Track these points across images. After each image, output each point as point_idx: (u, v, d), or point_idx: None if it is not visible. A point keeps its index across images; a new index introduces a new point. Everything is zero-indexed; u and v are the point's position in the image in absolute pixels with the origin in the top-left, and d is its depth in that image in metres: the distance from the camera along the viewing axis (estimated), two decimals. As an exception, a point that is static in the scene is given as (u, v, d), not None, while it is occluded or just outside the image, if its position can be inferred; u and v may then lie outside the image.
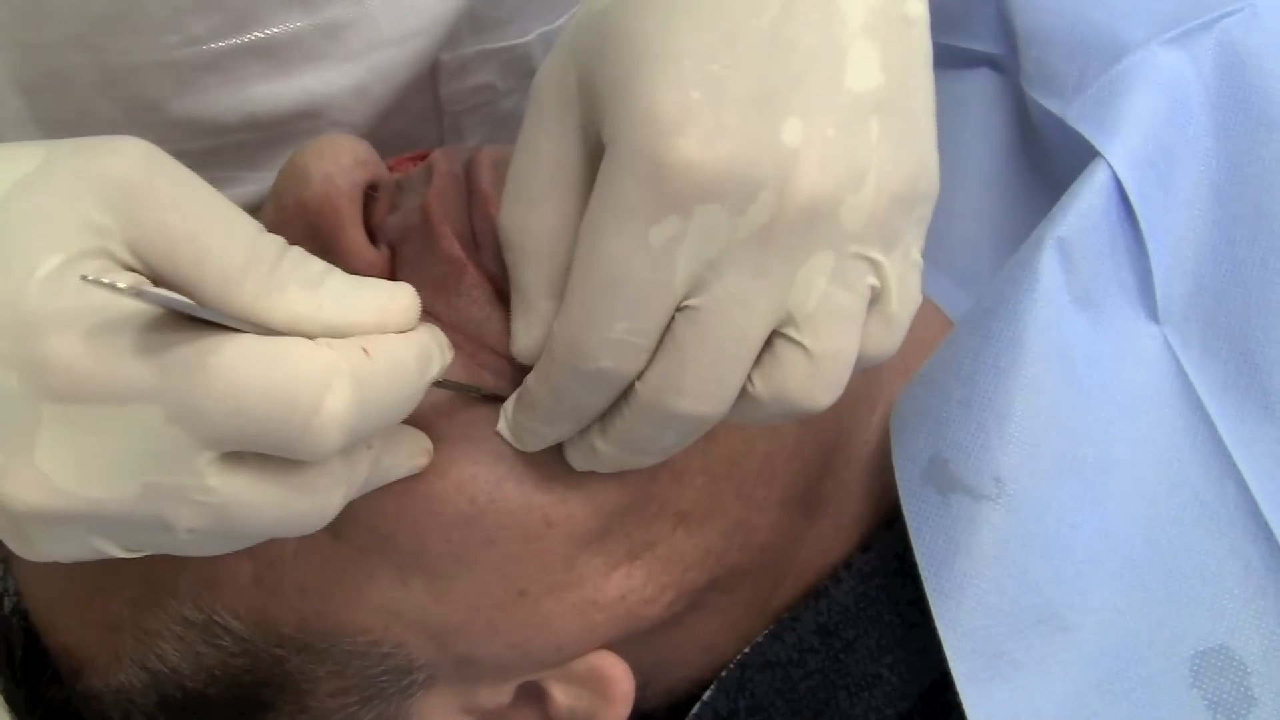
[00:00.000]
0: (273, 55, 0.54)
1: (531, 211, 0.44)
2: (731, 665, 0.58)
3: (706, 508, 0.53)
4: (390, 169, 0.55)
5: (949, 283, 0.66)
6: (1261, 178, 0.54)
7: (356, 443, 0.41)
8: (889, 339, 0.43)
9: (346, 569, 0.50)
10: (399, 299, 0.42)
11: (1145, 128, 0.55)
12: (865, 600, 0.57)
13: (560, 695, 0.54)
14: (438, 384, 0.46)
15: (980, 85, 0.68)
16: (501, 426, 0.48)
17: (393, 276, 0.52)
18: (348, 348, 0.39)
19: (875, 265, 0.41)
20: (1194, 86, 0.57)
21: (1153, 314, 0.54)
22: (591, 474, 0.49)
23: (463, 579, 0.50)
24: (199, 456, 0.37)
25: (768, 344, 0.42)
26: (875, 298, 0.42)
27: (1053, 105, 0.59)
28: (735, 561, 0.55)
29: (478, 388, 0.49)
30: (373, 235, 0.51)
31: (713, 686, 0.58)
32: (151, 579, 0.51)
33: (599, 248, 0.40)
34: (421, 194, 0.52)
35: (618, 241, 0.40)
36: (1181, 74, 0.57)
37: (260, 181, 0.58)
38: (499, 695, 0.54)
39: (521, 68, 0.66)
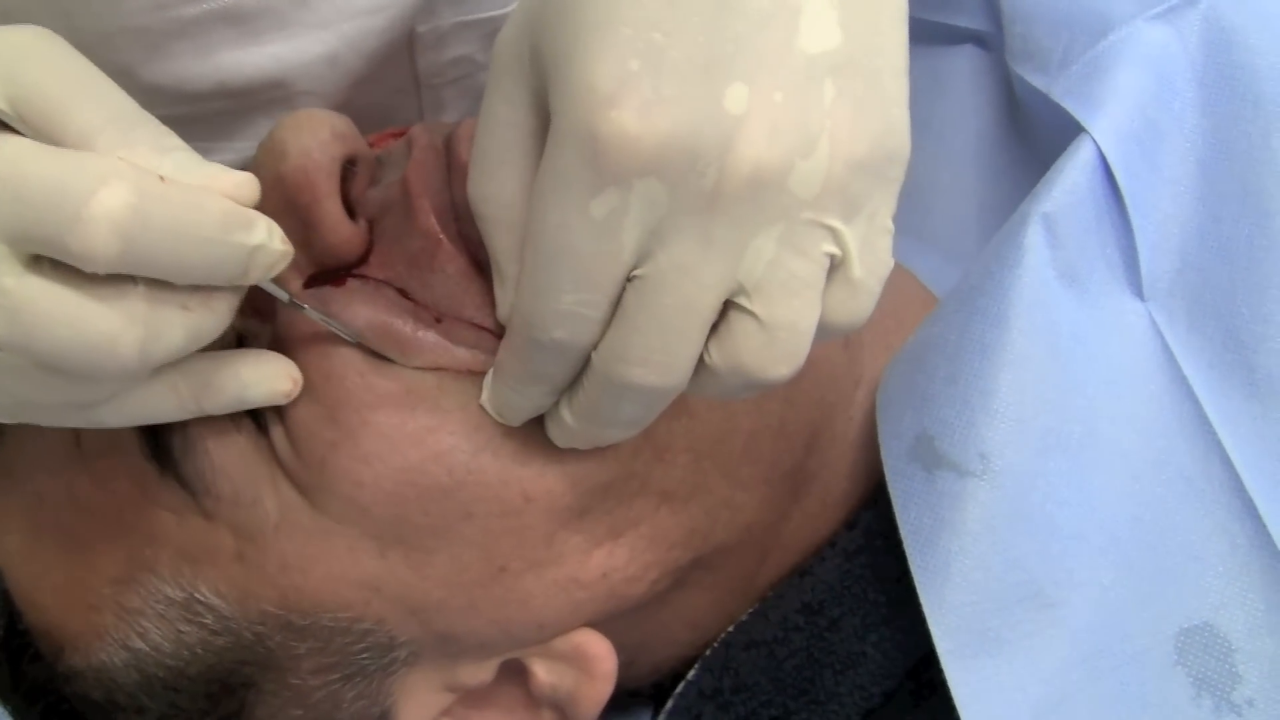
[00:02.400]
0: (243, 22, 0.53)
1: (492, 179, 0.44)
2: (716, 644, 0.58)
3: (691, 486, 0.53)
4: (371, 145, 0.55)
5: (935, 258, 0.66)
6: (1247, 154, 0.54)
7: (151, 273, 0.40)
8: (855, 306, 0.42)
9: (327, 542, 0.50)
10: (231, 175, 0.42)
11: (1131, 104, 0.55)
12: (850, 578, 0.57)
13: (543, 673, 0.54)
14: (315, 316, 0.48)
15: (966, 61, 0.68)
16: (485, 398, 0.49)
17: (371, 250, 0.52)
18: (140, 168, 0.40)
19: (834, 232, 0.40)
20: (1180, 62, 0.56)
21: (1138, 290, 0.54)
22: (571, 451, 0.49)
23: (441, 553, 0.50)
24: None
25: (723, 315, 0.41)
26: (837, 265, 0.41)
27: (1038, 81, 0.59)
28: (720, 540, 0.55)
29: (357, 334, 0.49)
30: (351, 210, 0.51)
31: (697, 665, 0.58)
32: (133, 557, 0.51)
33: (543, 220, 0.40)
34: (401, 168, 0.52)
35: (559, 214, 0.40)
36: (1167, 50, 0.56)
37: (236, 152, 0.58)
38: (481, 673, 0.54)
39: None
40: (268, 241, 0.43)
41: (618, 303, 0.42)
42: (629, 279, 0.41)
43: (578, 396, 0.45)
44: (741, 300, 0.41)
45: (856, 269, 0.41)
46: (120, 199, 0.38)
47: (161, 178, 0.40)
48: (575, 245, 0.40)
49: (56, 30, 0.45)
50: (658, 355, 0.41)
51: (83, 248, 0.38)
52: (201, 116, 0.56)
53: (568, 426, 0.46)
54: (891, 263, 0.43)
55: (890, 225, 0.42)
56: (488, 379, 0.48)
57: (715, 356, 0.42)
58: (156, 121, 0.42)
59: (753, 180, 0.39)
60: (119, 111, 0.41)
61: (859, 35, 0.40)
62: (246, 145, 0.58)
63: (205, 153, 0.42)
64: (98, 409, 0.44)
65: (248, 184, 0.42)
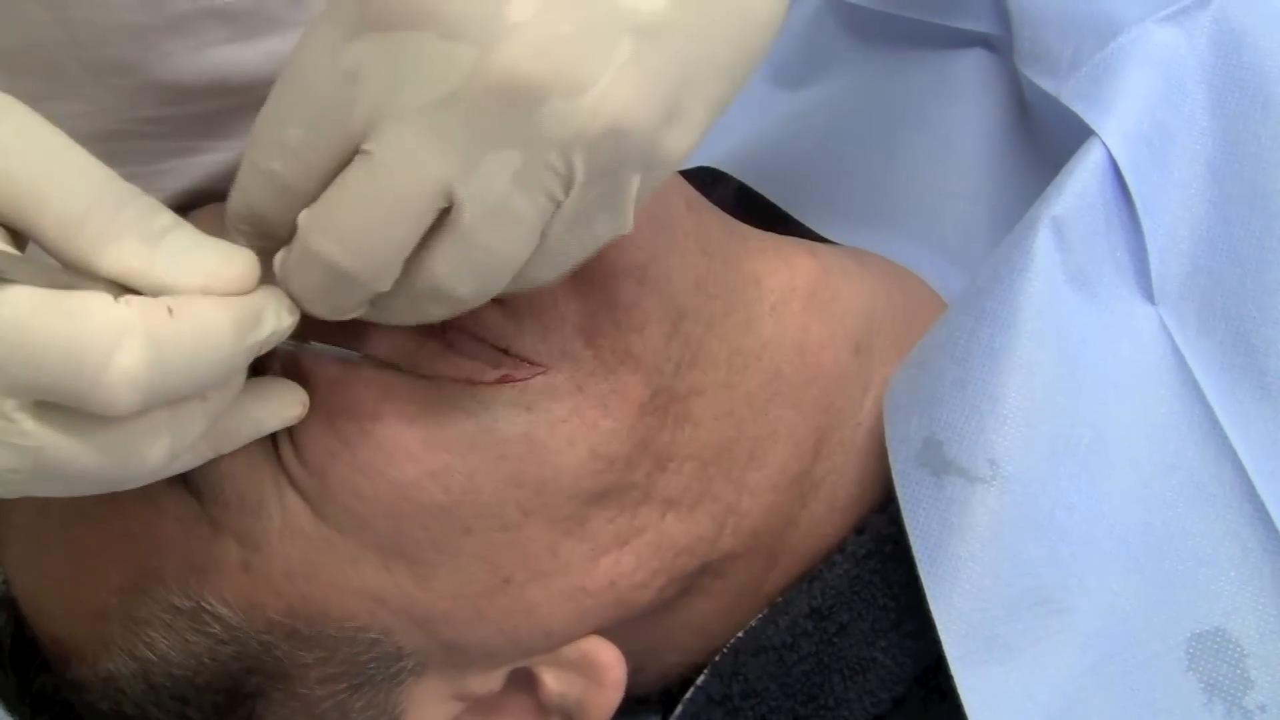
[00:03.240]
0: (237, 20, 0.53)
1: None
2: (725, 650, 0.58)
3: (696, 494, 0.53)
4: None
5: (943, 263, 0.65)
6: (1257, 156, 0.54)
7: (173, 399, 0.40)
8: (545, 268, 0.42)
9: (331, 552, 0.50)
10: (233, 265, 0.41)
11: (1140, 106, 0.55)
12: (859, 583, 0.56)
13: (551, 681, 0.53)
14: (315, 350, 0.47)
15: (974, 65, 0.67)
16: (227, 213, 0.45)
17: None
18: (149, 306, 0.38)
19: (564, 182, 0.39)
20: (1189, 64, 0.56)
21: (1148, 294, 0.54)
22: (567, 465, 0.49)
23: (445, 566, 0.50)
24: (5, 402, 0.37)
25: (432, 228, 0.40)
26: (552, 215, 0.40)
27: (1047, 84, 0.58)
28: (727, 546, 0.55)
29: (356, 351, 0.49)
30: None
31: (706, 671, 0.58)
32: (139, 566, 0.51)
33: (300, 49, 0.40)
34: None
35: (316, 47, 0.39)
36: (1177, 51, 0.56)
37: (230, 150, 0.58)
38: (490, 682, 0.53)
39: None
40: (277, 325, 0.42)
41: (339, 166, 0.40)
42: (360, 151, 0.39)
43: (288, 257, 0.42)
44: (454, 213, 0.40)
45: (562, 231, 0.41)
46: (136, 357, 0.37)
47: (170, 309, 0.39)
48: (316, 86, 0.39)
49: (50, 24, 0.45)
50: (356, 239, 0.40)
51: (105, 407, 0.37)
52: (195, 115, 0.55)
53: (280, 277, 0.44)
54: (607, 237, 0.43)
55: (626, 207, 0.42)
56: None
57: (412, 260, 0.41)
58: (138, 194, 0.40)
59: (502, 92, 0.37)
60: (99, 194, 0.39)
61: (689, 12, 0.39)
62: (240, 144, 0.58)
63: (202, 152, 0.42)
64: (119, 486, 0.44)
65: (248, 269, 0.42)
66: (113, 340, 0.37)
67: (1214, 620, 0.49)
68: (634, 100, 0.38)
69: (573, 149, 0.38)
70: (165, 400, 0.39)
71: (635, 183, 0.41)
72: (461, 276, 0.41)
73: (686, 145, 0.41)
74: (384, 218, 0.39)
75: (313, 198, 0.41)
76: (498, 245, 0.40)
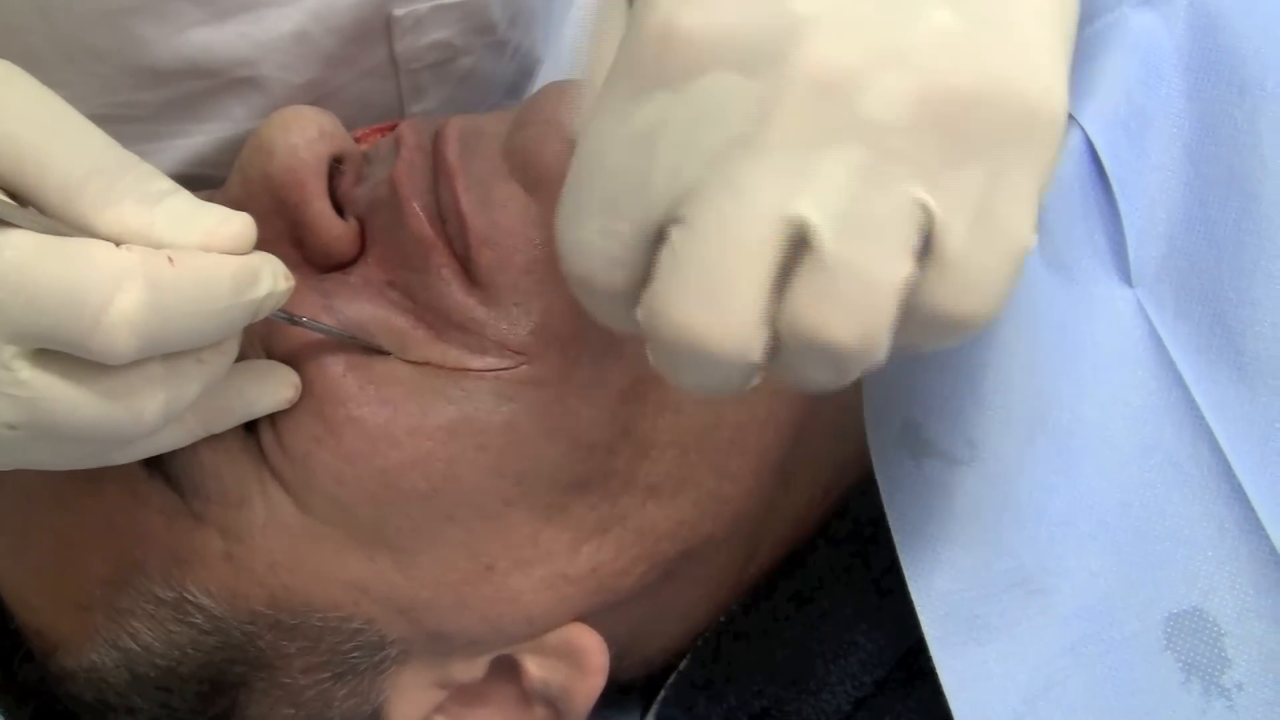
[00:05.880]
0: (210, 2, 0.54)
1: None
2: (707, 635, 0.58)
3: (678, 480, 0.53)
4: (357, 140, 0.55)
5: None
6: (1234, 139, 0.54)
7: (170, 350, 0.40)
8: (951, 292, 0.35)
9: (314, 543, 0.50)
10: (230, 224, 0.41)
11: (1117, 90, 0.55)
12: (840, 567, 0.57)
13: (534, 668, 0.53)
14: (309, 326, 0.48)
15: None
16: None
17: (363, 249, 0.52)
18: (150, 254, 0.39)
19: (934, 176, 0.34)
20: (1166, 48, 0.56)
21: (1125, 276, 0.54)
22: (546, 453, 0.49)
23: (427, 554, 0.50)
24: (5, 349, 0.37)
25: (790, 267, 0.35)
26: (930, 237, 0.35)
27: (1024, 69, 0.58)
28: (709, 532, 0.55)
29: (353, 335, 0.49)
30: (340, 207, 0.51)
31: (689, 656, 0.58)
32: (122, 557, 0.51)
33: (586, 132, 0.37)
34: (389, 165, 0.52)
35: (600, 122, 0.36)
36: (1153, 35, 0.56)
37: (207, 134, 0.58)
38: (473, 669, 0.54)
39: (478, 24, 0.65)
40: (274, 287, 0.43)
41: (655, 244, 0.36)
42: (674, 221, 0.35)
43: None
44: (808, 241, 0.34)
45: (952, 241, 0.34)
46: (136, 300, 0.37)
47: (170, 259, 0.39)
48: (608, 160, 0.36)
49: (27, 9, 0.45)
50: (704, 311, 0.35)
51: (104, 351, 0.38)
52: (172, 99, 0.56)
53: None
54: (1026, 242, 0.36)
55: (1031, 195, 0.35)
56: None
57: (776, 315, 0.35)
58: (138, 162, 0.41)
59: (818, 86, 0.33)
60: (99, 159, 0.40)
61: None
62: (217, 127, 0.58)
63: (177, 136, 0.42)
64: (109, 456, 0.44)
65: (245, 229, 0.42)
66: (114, 283, 0.37)
67: (1192, 600, 0.49)
68: (967, 55, 0.34)
69: (919, 130, 0.34)
70: (163, 349, 0.39)
71: (1028, 166, 0.35)
72: (836, 315, 0.34)
73: (1058, 100, 0.35)
74: (725, 274, 0.34)
75: (630, 288, 0.37)
76: (868, 264, 0.34)
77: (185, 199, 0.41)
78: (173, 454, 0.49)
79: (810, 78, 0.33)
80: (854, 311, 0.34)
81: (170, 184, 0.41)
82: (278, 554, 0.50)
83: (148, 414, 0.40)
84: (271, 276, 0.42)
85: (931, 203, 0.34)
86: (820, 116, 0.33)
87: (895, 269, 0.34)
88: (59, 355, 0.38)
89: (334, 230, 0.50)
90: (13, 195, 0.39)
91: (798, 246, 0.34)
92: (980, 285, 0.35)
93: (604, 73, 0.37)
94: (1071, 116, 0.54)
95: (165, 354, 0.40)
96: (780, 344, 0.35)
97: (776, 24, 0.34)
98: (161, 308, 0.38)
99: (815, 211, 0.34)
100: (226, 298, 0.40)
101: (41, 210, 0.39)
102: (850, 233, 0.34)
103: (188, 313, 0.39)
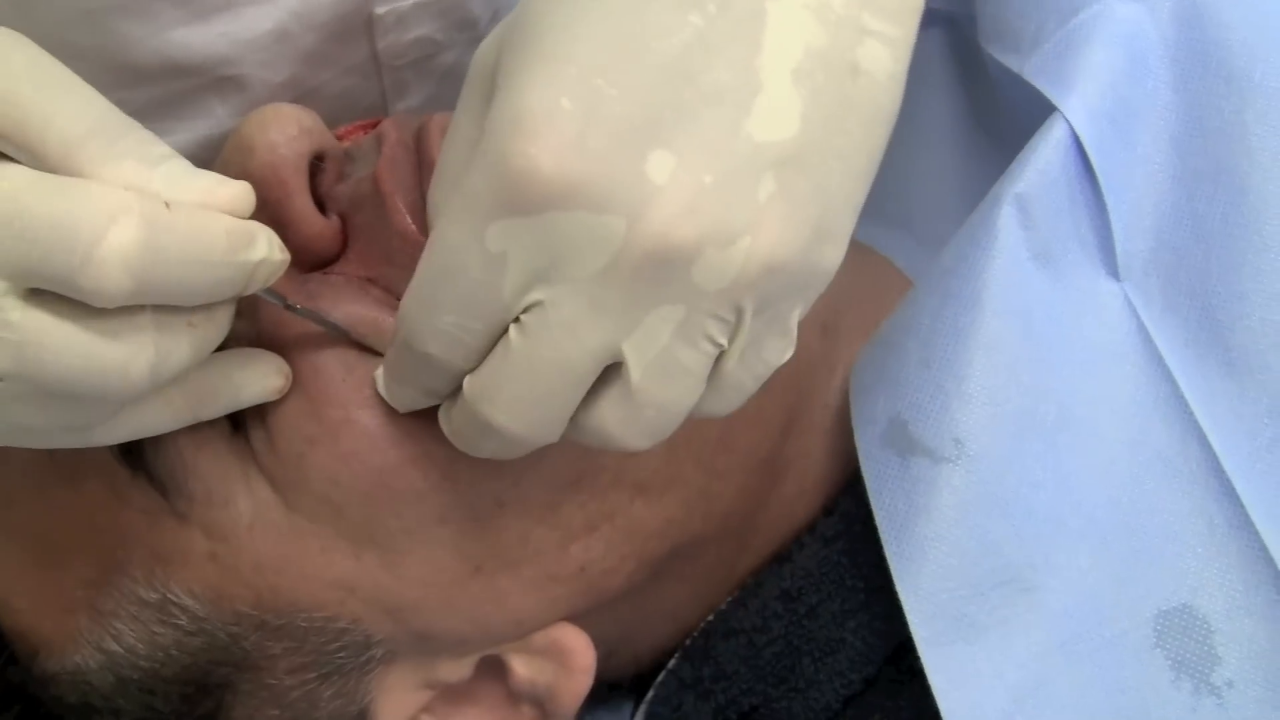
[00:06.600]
0: (190, 1, 0.53)
1: (444, 189, 0.43)
2: (695, 633, 0.58)
3: (666, 478, 0.53)
4: (339, 138, 0.55)
5: (910, 242, 0.65)
6: (1221, 131, 0.53)
7: (161, 300, 0.40)
8: (722, 402, 0.42)
9: (300, 543, 0.50)
10: (229, 186, 0.41)
11: (1103, 82, 0.55)
12: (828, 565, 0.57)
13: (521, 668, 0.53)
14: (307, 315, 0.47)
15: (937, 44, 0.67)
16: (378, 379, 0.48)
17: (346, 246, 0.52)
18: (147, 196, 0.39)
19: (728, 325, 0.39)
20: (1152, 39, 0.56)
21: (1113, 270, 0.54)
22: (544, 451, 0.49)
23: (415, 554, 0.50)
24: None
25: (600, 376, 0.41)
26: (722, 355, 0.41)
27: (1010, 61, 0.58)
28: (697, 530, 0.55)
29: (347, 330, 0.49)
30: (322, 205, 0.51)
31: (677, 654, 0.58)
32: (105, 559, 0.51)
33: (442, 234, 0.40)
34: (371, 163, 0.52)
35: (456, 233, 0.39)
36: (1139, 27, 0.56)
37: (190, 133, 0.58)
38: (459, 669, 0.54)
39: (459, 20, 0.65)
40: (269, 254, 0.42)
41: (501, 335, 0.41)
42: (517, 318, 0.40)
43: (452, 411, 0.44)
44: (622, 371, 0.40)
45: (734, 367, 0.41)
46: (130, 236, 0.37)
47: (167, 204, 0.39)
48: (464, 269, 0.39)
49: (7, 8, 0.45)
50: (524, 407, 0.41)
51: (95, 287, 0.37)
52: (153, 97, 0.56)
53: (447, 430, 0.46)
54: (778, 363, 0.42)
55: (792, 329, 0.42)
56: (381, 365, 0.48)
57: (580, 413, 0.41)
58: (139, 127, 0.41)
59: (656, 257, 0.37)
60: (101, 120, 0.40)
61: (819, 130, 0.38)
62: (200, 125, 0.58)
63: (159, 134, 0.42)
64: (93, 430, 0.44)
65: (244, 194, 0.42)
66: (109, 216, 0.37)
67: (1181, 597, 0.49)
68: (785, 234, 0.38)
69: (732, 295, 0.38)
70: (154, 297, 0.39)
71: (799, 306, 0.41)
72: (633, 430, 0.41)
73: (838, 256, 0.40)
74: (547, 386, 0.40)
75: (469, 368, 0.42)
76: (668, 398, 0.40)
77: (185, 163, 0.41)
78: (155, 452, 0.49)
79: (652, 245, 0.37)
80: (648, 429, 0.42)
81: (170, 150, 0.41)
82: (263, 554, 0.50)
83: (134, 369, 0.40)
84: (268, 244, 0.42)
85: (726, 345, 0.40)
86: (655, 279, 0.38)
87: (689, 399, 0.41)
88: (50, 299, 0.38)
89: (316, 227, 0.50)
90: (14, 150, 0.39)
91: (609, 367, 0.40)
92: (736, 398, 0.43)
93: (449, 166, 0.42)
94: (1057, 109, 0.54)
95: (156, 307, 0.40)
96: (576, 431, 0.42)
97: (631, 188, 0.37)
98: (156, 248, 0.38)
99: (633, 354, 0.39)
100: (221, 252, 0.40)
101: (41, 166, 0.39)
102: (659, 377, 0.40)
103: (182, 259, 0.39)
